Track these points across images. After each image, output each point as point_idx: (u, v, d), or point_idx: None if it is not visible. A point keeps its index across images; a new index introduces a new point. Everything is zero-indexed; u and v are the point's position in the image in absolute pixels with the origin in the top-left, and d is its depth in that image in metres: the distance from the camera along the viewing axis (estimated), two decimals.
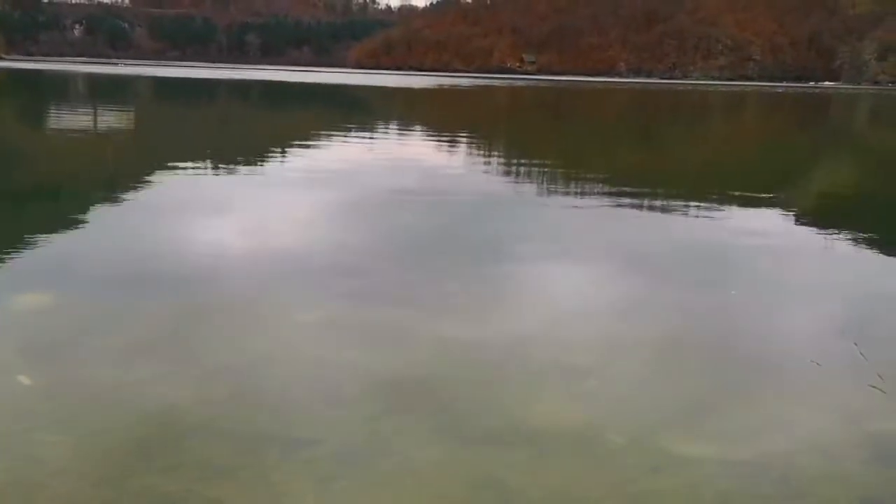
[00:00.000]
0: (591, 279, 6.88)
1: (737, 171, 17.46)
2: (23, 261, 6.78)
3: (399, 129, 25.79)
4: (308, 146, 18.61)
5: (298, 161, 15.23)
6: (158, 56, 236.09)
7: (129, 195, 10.47)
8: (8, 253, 6.94)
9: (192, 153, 16.33)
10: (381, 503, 3.32)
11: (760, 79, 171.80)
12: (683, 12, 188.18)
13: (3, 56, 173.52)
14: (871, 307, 6.28)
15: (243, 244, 7.71)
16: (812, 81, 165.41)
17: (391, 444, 3.76)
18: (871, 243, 8.73)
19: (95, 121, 24.94)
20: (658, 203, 11.25)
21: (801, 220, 10.33)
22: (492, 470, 3.57)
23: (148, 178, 11.97)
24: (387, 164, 14.96)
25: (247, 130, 24.22)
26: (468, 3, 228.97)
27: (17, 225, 8.60)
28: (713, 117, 44.42)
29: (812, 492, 3.48)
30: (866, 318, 5.96)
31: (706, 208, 10.77)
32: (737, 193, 12.52)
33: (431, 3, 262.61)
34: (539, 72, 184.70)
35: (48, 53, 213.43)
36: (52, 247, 7.36)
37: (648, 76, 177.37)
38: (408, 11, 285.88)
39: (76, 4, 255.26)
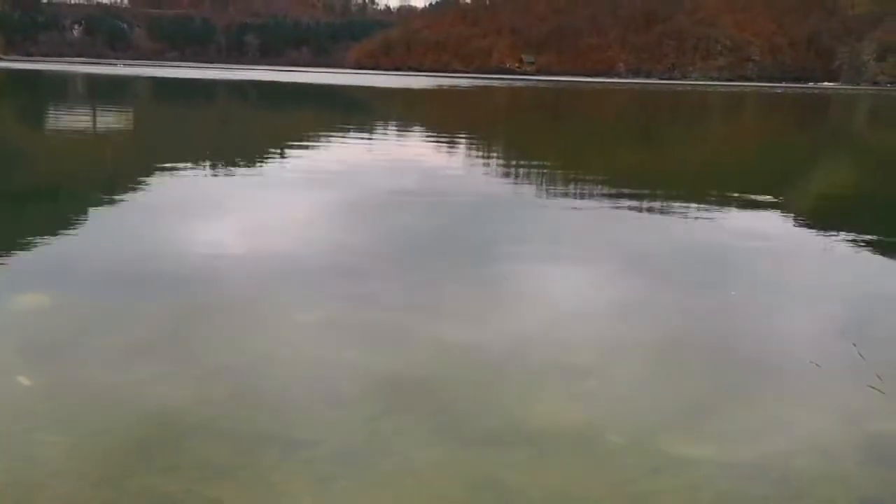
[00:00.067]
0: (591, 280, 6.89)
1: (736, 171, 17.47)
2: (23, 261, 6.78)
3: (398, 130, 25.80)
4: (307, 147, 18.62)
5: (297, 162, 15.23)
6: (157, 56, 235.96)
7: (129, 195, 10.47)
8: (8, 253, 6.94)
9: (192, 154, 16.33)
10: (380, 503, 3.32)
11: (759, 79, 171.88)
12: (682, 13, 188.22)
13: (3, 56, 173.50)
14: (870, 308, 6.28)
15: (243, 244, 7.71)
16: (811, 82, 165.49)
17: (391, 445, 3.76)
18: (870, 244, 8.74)
19: (94, 121, 24.94)
20: (657, 204, 11.26)
21: (800, 220, 10.34)
22: (492, 470, 3.57)
23: (147, 178, 11.97)
24: (386, 165, 14.96)
25: (246, 131, 24.22)
26: (467, 3, 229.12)
27: (16, 225, 8.60)
28: (712, 118, 44.44)
29: (811, 492, 3.48)
30: (865, 318, 5.96)
31: (705, 209, 10.77)
32: (736, 194, 12.52)
33: (430, 4, 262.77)
34: (538, 72, 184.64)
35: (47, 54, 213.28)
36: (52, 247, 7.36)
37: (647, 77, 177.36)
38: (407, 12, 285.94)
39: (75, 5, 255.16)
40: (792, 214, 10.78)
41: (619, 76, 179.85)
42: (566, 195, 12.05)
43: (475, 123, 32.49)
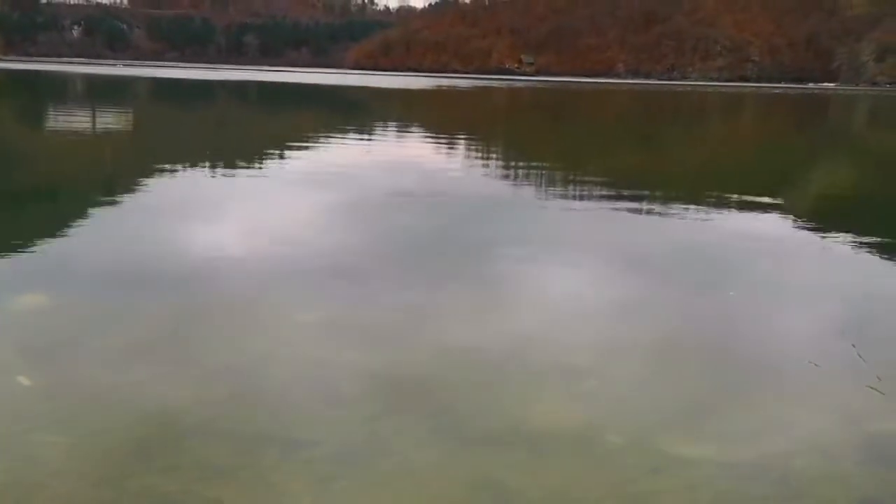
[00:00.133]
0: (591, 280, 6.89)
1: (735, 172, 17.48)
2: (23, 261, 6.78)
3: (398, 131, 25.80)
4: (307, 147, 18.62)
5: (297, 162, 15.23)
6: (157, 57, 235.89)
7: (129, 196, 10.47)
8: (8, 253, 6.94)
9: (191, 154, 16.34)
10: (380, 503, 3.33)
11: (759, 80, 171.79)
12: (681, 13, 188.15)
13: (2, 57, 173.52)
14: (869, 308, 6.29)
15: (243, 245, 7.71)
16: (810, 82, 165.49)
17: (390, 445, 3.76)
18: (869, 244, 8.74)
19: (94, 122, 24.94)
20: (657, 204, 11.26)
21: (799, 221, 10.34)
22: (491, 470, 3.57)
23: (147, 179, 11.98)
24: (386, 166, 14.96)
25: (245, 132, 24.23)
26: (466, 4, 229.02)
27: (16, 225, 8.60)
28: (711, 118, 44.45)
29: (811, 492, 3.48)
30: (864, 319, 5.97)
31: (705, 210, 10.78)
32: (735, 195, 12.52)
33: (430, 5, 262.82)
34: (537, 73, 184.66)
35: (46, 54, 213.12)
36: (52, 247, 7.36)
37: (647, 77, 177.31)
38: (406, 12, 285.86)
39: (74, 5, 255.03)
40: (791, 215, 10.79)
41: (619, 76, 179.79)
42: (566, 196, 12.05)
43: (474, 124, 32.50)
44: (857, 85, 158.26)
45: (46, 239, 7.61)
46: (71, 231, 8.13)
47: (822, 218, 10.79)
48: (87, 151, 16.89)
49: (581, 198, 11.76)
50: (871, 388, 4.55)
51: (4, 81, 62.36)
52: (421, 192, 11.71)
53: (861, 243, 8.81)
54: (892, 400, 4.42)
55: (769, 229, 9.63)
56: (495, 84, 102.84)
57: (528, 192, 12.46)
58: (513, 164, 17.22)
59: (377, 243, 8.10)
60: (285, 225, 8.89)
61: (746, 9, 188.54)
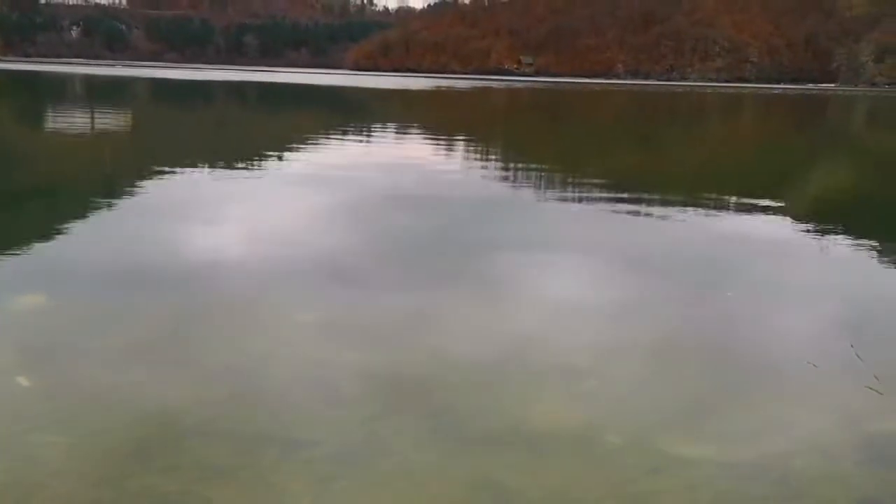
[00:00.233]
0: (590, 281, 6.89)
1: (734, 173, 17.50)
2: (22, 261, 6.78)
3: (397, 132, 25.79)
4: (306, 148, 18.62)
5: (296, 163, 15.23)
6: (156, 57, 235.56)
7: (128, 196, 10.47)
8: (8, 253, 6.94)
9: (191, 155, 16.35)
10: (380, 503, 3.33)
11: (758, 80, 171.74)
12: (680, 14, 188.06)
13: (1, 57, 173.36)
14: (867, 309, 6.29)
15: (242, 245, 7.71)
16: (809, 83, 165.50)
17: (390, 445, 3.77)
18: (868, 245, 8.75)
19: (92, 123, 24.94)
20: (656, 205, 11.26)
21: (798, 221, 10.34)
22: (491, 471, 3.57)
23: (146, 179, 11.97)
24: (385, 167, 14.96)
25: (245, 132, 24.24)
26: (465, 4, 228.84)
27: (16, 225, 8.60)
28: (711, 119, 44.48)
29: (810, 492, 3.49)
30: (863, 319, 5.98)
31: (704, 210, 10.79)
32: (735, 195, 12.53)
33: (429, 5, 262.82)
34: (537, 73, 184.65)
35: (45, 55, 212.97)
36: (51, 247, 7.36)
37: (646, 78, 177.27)
38: (405, 13, 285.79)
39: (73, 6, 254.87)
40: (790, 215, 10.79)
41: (618, 77, 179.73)
42: (565, 196, 12.06)
43: (473, 125, 32.51)
44: (856, 85, 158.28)
45: (46, 239, 7.61)
46: (71, 231, 8.13)
47: (820, 218, 10.80)
48: (86, 152, 16.89)
49: (580, 198, 11.77)
50: (870, 388, 4.55)
51: (3, 82, 62.33)
52: (420, 192, 11.72)
53: (860, 244, 8.82)
54: (889, 400, 4.42)
55: (768, 230, 9.63)
56: (494, 85, 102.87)
57: (527, 192, 12.47)
58: (512, 164, 17.22)
59: (377, 244, 8.10)
60: (285, 225, 8.89)
61: (745, 9, 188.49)
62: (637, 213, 10.32)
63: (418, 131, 26.51)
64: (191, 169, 13.78)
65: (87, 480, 3.36)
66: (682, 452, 3.78)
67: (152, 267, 6.73)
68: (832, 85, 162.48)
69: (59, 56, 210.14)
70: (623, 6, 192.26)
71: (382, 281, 6.62)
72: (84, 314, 5.52)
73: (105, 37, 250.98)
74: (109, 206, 9.73)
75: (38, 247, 7.31)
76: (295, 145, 18.67)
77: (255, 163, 14.75)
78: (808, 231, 9.75)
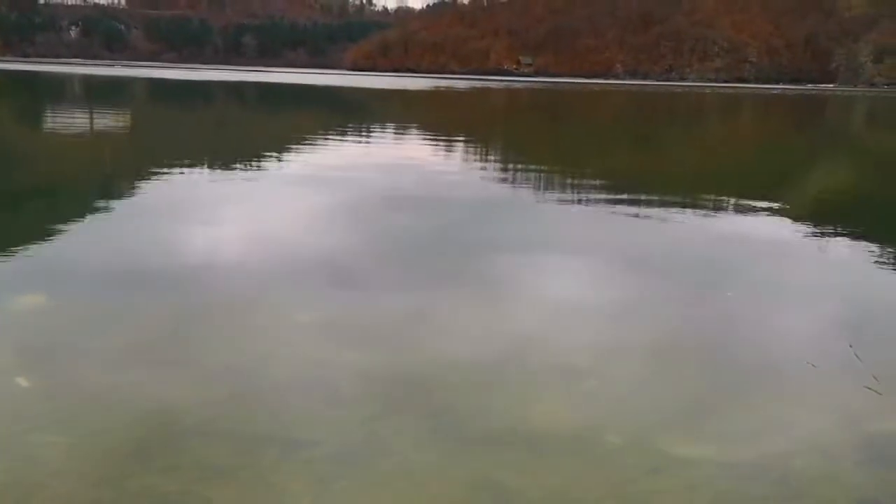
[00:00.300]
0: (590, 281, 6.90)
1: (734, 173, 17.50)
2: (22, 261, 6.78)
3: (396, 132, 25.80)
4: (305, 149, 18.62)
5: (295, 163, 15.24)
6: (155, 57, 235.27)
7: (128, 196, 10.48)
8: (7, 254, 6.93)
9: (190, 155, 16.35)
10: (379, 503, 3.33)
11: (757, 81, 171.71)
12: (680, 14, 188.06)
13: (0, 58, 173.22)
14: (867, 309, 6.30)
15: (242, 245, 7.71)
16: (809, 83, 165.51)
17: (390, 445, 3.77)
18: (867, 245, 8.75)
19: (91, 123, 24.93)
20: (656, 206, 11.27)
21: (797, 222, 10.35)
22: (490, 471, 3.58)
23: (145, 179, 11.97)
24: (384, 167, 14.96)
25: (244, 132, 24.24)
26: (464, 4, 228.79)
27: (15, 226, 8.60)
28: (710, 119, 44.49)
29: (810, 492, 3.49)
30: (862, 319, 5.98)
31: (703, 211, 10.79)
32: (734, 196, 12.54)
33: (428, 5, 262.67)
34: (536, 73, 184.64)
35: (44, 55, 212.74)
36: (51, 247, 7.36)
37: (645, 78, 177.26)
38: (404, 13, 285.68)
39: (72, 6, 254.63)
40: (790, 215, 10.79)
41: (617, 77, 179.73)
42: (565, 196, 12.06)
43: (473, 125, 32.52)
44: (855, 86, 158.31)
45: (46, 239, 7.60)
46: (70, 231, 8.13)
47: (820, 218, 10.80)
48: (85, 152, 16.89)
49: (580, 198, 11.78)
50: (869, 388, 4.56)
51: (2, 82, 62.30)
52: (420, 193, 11.72)
53: (859, 244, 8.83)
54: (889, 400, 4.43)
55: (768, 230, 9.64)
56: (493, 85, 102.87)
57: (526, 193, 12.47)
58: (511, 165, 17.22)
59: (377, 244, 8.10)
60: (284, 226, 8.89)
61: (745, 10, 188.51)
62: (636, 214, 10.33)
63: (417, 132, 26.51)
64: (190, 169, 13.78)
65: (87, 480, 3.36)
66: (682, 452, 3.79)
67: (152, 267, 6.73)
68: (831, 85, 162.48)
69: (57, 56, 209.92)
70: (622, 6, 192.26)
71: (382, 281, 6.62)
72: (84, 314, 5.52)
73: (104, 37, 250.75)
74: (109, 206, 9.73)
75: (38, 247, 7.31)
76: (294, 146, 18.67)
77: (254, 163, 14.75)
78: (807, 231, 9.75)
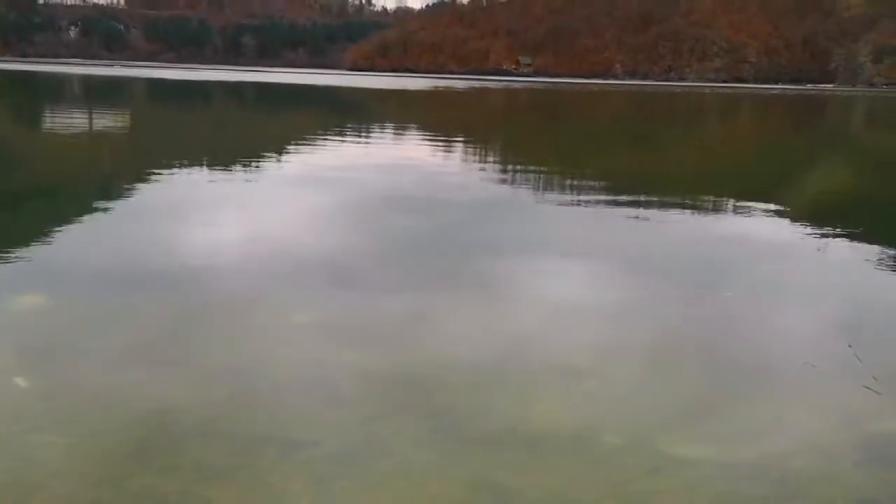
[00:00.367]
0: (589, 281, 6.90)
1: (733, 173, 17.51)
2: (22, 261, 6.77)
3: (395, 132, 25.80)
4: (304, 149, 18.62)
5: (295, 164, 15.24)
6: (154, 58, 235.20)
7: (127, 197, 10.47)
8: (7, 253, 6.93)
9: (190, 155, 16.35)
10: None
11: (756, 81, 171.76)
12: (678, 14, 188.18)
13: None
14: (865, 309, 6.30)
15: (241, 246, 7.71)
16: (808, 83, 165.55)
17: (389, 446, 3.77)
18: (866, 245, 8.76)
19: (91, 123, 24.92)
20: (655, 206, 11.27)
21: (797, 222, 10.35)
22: (490, 471, 3.58)
23: (145, 180, 11.97)
24: (384, 168, 14.96)
25: (243, 133, 24.24)
26: (464, 5, 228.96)
27: (14, 226, 8.59)
28: (709, 119, 44.50)
29: (809, 492, 3.49)
30: (861, 320, 5.98)
31: (703, 211, 10.80)
32: (734, 196, 12.55)
33: (427, 6, 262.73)
34: (535, 74, 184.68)
35: (43, 55, 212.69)
36: (50, 247, 7.35)
37: (644, 78, 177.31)
38: (403, 13, 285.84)
39: (71, 6, 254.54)
40: (789, 216, 10.80)
41: (616, 77, 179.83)
42: (564, 197, 12.07)
43: (472, 125, 32.52)
44: (854, 86, 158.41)
45: (46, 239, 7.60)
46: (70, 231, 8.13)
47: (819, 219, 10.80)
48: (84, 152, 16.89)
49: (579, 199, 11.78)
50: (868, 388, 4.56)
51: (1, 82, 62.27)
52: (419, 193, 11.72)
53: (859, 244, 8.83)
54: (888, 400, 4.43)
55: (767, 230, 9.64)
56: (492, 85, 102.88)
57: (526, 193, 12.47)
58: (510, 165, 17.22)
59: (376, 244, 8.10)
60: (283, 226, 8.89)
61: (743, 10, 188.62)
62: (636, 214, 10.33)
63: (416, 132, 26.50)
64: (189, 169, 13.77)
65: (87, 480, 3.36)
66: (682, 453, 3.79)
67: (152, 267, 6.73)
68: (830, 85, 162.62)
69: (57, 56, 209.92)
70: (621, 7, 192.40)
71: (382, 281, 6.62)
72: (84, 314, 5.52)
73: (103, 37, 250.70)
74: (108, 206, 9.72)
75: (38, 247, 7.31)
76: (293, 146, 18.67)
77: (253, 163, 14.74)
78: (806, 231, 9.75)
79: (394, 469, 3.56)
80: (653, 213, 10.54)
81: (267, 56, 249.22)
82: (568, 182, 14.11)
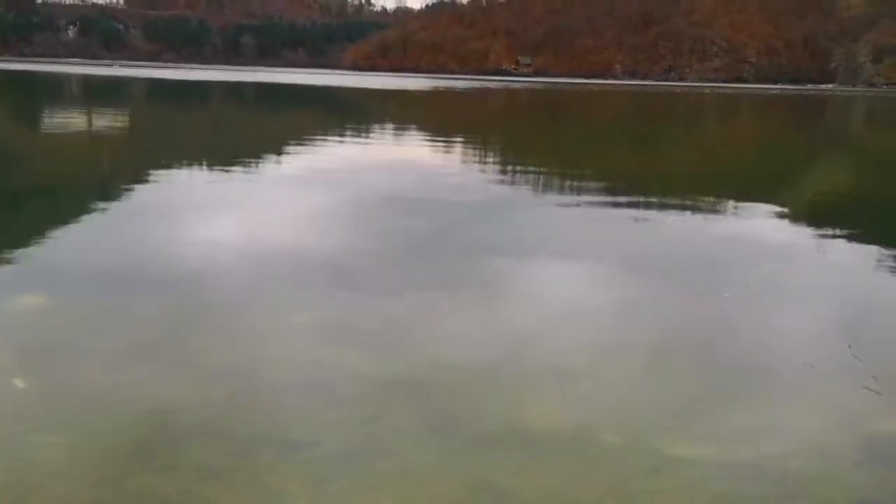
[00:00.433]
0: (588, 282, 6.90)
1: (733, 173, 17.51)
2: (22, 261, 6.77)
3: (395, 132, 25.79)
4: (304, 149, 18.61)
5: (295, 164, 15.24)
6: (153, 57, 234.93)
7: (127, 197, 10.46)
8: (7, 253, 6.93)
9: (190, 156, 16.34)
10: None
11: (756, 81, 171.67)
12: (678, 14, 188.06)
13: None
14: (865, 309, 6.30)
15: (241, 246, 7.71)
16: (808, 83, 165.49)
17: (388, 446, 3.77)
18: (866, 245, 8.76)
19: (90, 123, 24.91)
20: (654, 206, 11.27)
21: (796, 222, 10.36)
22: (488, 472, 3.58)
23: (145, 180, 11.97)
24: (384, 168, 14.96)
25: (243, 133, 24.23)
26: (463, 5, 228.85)
27: (14, 226, 8.59)
28: (709, 119, 44.50)
29: (809, 492, 3.49)
30: (860, 320, 5.98)
31: (702, 211, 10.80)
32: (733, 196, 12.55)
33: (427, 6, 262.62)
34: (535, 74, 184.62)
35: (42, 55, 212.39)
36: (50, 248, 7.35)
37: (644, 78, 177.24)
38: (403, 13, 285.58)
39: (70, 6, 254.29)
40: (789, 216, 10.80)
41: (616, 78, 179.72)
42: (564, 197, 12.07)
43: (472, 125, 32.52)
44: (854, 86, 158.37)
45: (46, 239, 7.60)
46: (70, 231, 8.13)
47: (819, 219, 10.81)
48: (84, 152, 16.88)
49: (579, 199, 11.78)
50: (868, 388, 4.56)
51: (0, 82, 62.25)
52: (419, 194, 11.71)
53: (858, 244, 8.83)
54: (888, 400, 4.43)
55: (767, 230, 9.64)
56: (492, 85, 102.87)
57: (525, 193, 12.47)
58: (510, 165, 17.22)
59: (376, 244, 8.10)
60: (283, 226, 8.89)
61: (743, 10, 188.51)
62: (635, 214, 10.33)
63: (416, 132, 26.50)
64: (189, 170, 13.77)
65: (87, 480, 3.36)
66: (680, 453, 3.79)
67: (151, 267, 6.73)
68: (830, 85, 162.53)
69: (56, 56, 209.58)
70: (621, 7, 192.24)
71: (381, 282, 6.62)
72: (84, 314, 5.52)
73: (102, 37, 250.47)
74: (108, 206, 9.72)
75: (38, 247, 7.31)
76: (293, 146, 18.67)
77: (253, 164, 14.74)
78: (806, 231, 9.76)
79: (393, 469, 3.56)
80: (652, 213, 10.55)
81: (267, 56, 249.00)
82: (567, 182, 14.11)
